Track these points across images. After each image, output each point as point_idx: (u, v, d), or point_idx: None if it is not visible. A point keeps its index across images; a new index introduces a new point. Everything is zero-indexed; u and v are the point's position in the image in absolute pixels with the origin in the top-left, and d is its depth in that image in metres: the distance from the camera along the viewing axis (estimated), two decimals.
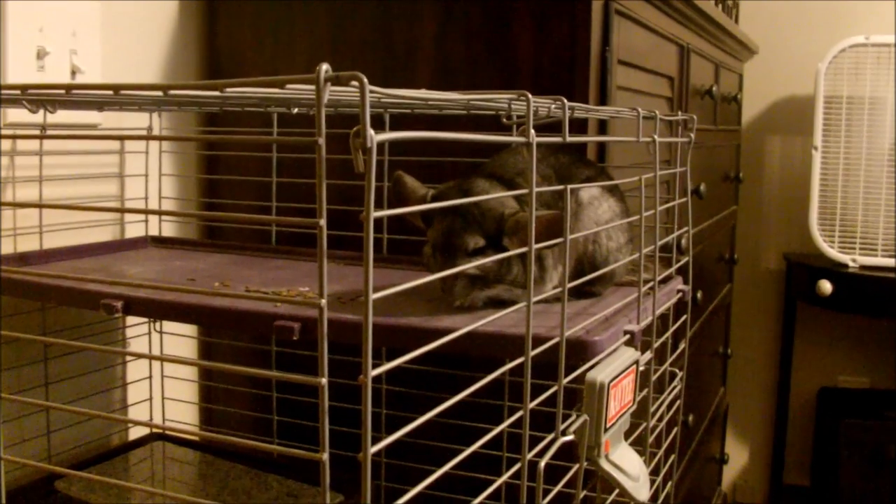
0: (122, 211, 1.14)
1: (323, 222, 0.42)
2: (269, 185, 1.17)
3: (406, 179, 0.81)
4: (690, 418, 1.62)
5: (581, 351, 0.69)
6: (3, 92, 0.58)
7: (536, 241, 0.66)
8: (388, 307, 0.76)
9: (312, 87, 0.43)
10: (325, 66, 0.43)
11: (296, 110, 0.98)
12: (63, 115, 1.02)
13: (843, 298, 2.02)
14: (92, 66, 1.08)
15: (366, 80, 0.43)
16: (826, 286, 2.01)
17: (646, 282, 0.82)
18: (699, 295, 1.62)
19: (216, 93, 0.58)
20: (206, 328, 1.26)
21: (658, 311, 0.85)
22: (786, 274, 2.30)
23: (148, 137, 1.18)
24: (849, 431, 2.07)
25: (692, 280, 0.99)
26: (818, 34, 2.28)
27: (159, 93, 0.55)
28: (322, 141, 0.42)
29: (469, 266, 0.71)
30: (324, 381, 0.43)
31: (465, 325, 0.61)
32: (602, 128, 1.09)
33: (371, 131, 0.43)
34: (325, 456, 0.43)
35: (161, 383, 1.20)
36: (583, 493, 0.72)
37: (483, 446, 0.59)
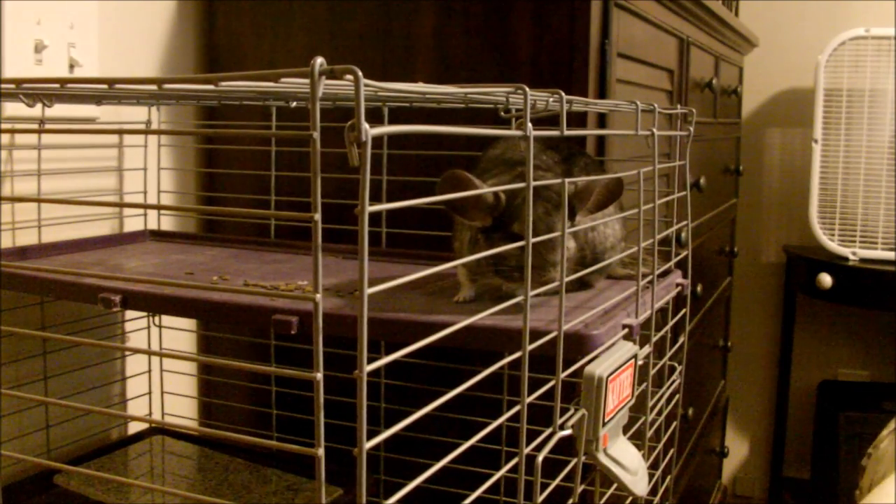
0: (121, 205, 1.14)
1: (318, 217, 0.42)
2: (268, 179, 1.17)
3: (474, 183, 0.71)
4: (690, 411, 1.62)
5: (579, 345, 0.69)
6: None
7: (603, 207, 0.77)
8: (386, 301, 0.76)
9: (307, 80, 0.43)
10: (319, 60, 0.43)
11: (294, 104, 0.98)
12: (61, 109, 1.02)
13: (843, 291, 2.01)
14: (90, 59, 1.08)
15: (360, 73, 0.43)
16: (826, 279, 2.01)
17: (645, 275, 0.82)
18: (699, 288, 1.62)
19: (211, 87, 0.58)
20: (204, 322, 1.26)
21: (657, 305, 0.84)
22: (786, 267, 2.30)
23: (147, 132, 1.18)
24: (848, 424, 2.07)
25: (692, 273, 0.99)
26: (818, 27, 2.28)
27: (154, 87, 0.54)
28: (317, 135, 0.42)
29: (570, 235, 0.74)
30: (319, 375, 0.42)
31: (464, 319, 0.60)
32: (601, 121, 1.08)
33: (366, 125, 0.42)
34: (321, 451, 0.43)
35: (160, 377, 1.20)
36: (581, 488, 0.72)
37: (481, 440, 0.59)
